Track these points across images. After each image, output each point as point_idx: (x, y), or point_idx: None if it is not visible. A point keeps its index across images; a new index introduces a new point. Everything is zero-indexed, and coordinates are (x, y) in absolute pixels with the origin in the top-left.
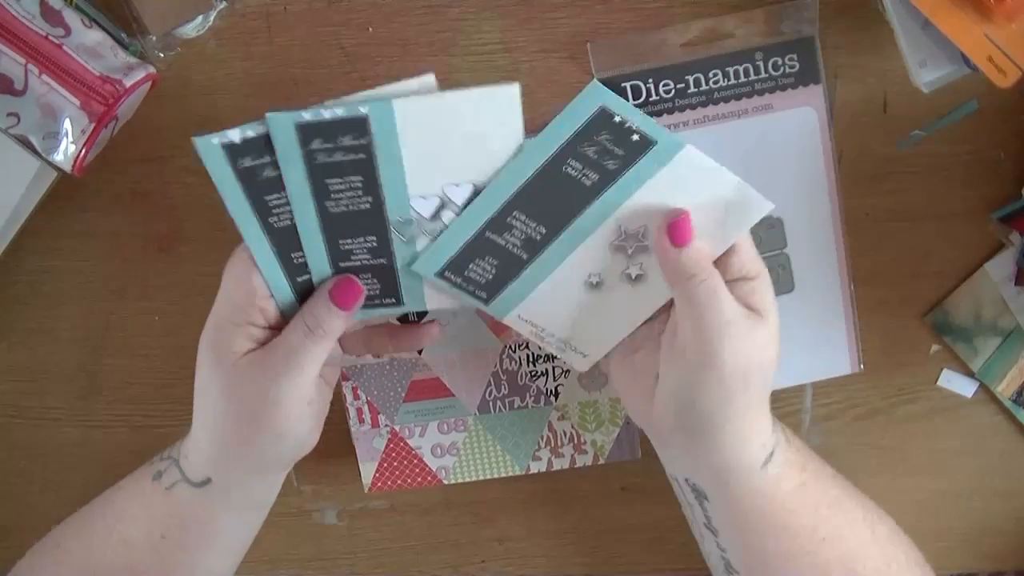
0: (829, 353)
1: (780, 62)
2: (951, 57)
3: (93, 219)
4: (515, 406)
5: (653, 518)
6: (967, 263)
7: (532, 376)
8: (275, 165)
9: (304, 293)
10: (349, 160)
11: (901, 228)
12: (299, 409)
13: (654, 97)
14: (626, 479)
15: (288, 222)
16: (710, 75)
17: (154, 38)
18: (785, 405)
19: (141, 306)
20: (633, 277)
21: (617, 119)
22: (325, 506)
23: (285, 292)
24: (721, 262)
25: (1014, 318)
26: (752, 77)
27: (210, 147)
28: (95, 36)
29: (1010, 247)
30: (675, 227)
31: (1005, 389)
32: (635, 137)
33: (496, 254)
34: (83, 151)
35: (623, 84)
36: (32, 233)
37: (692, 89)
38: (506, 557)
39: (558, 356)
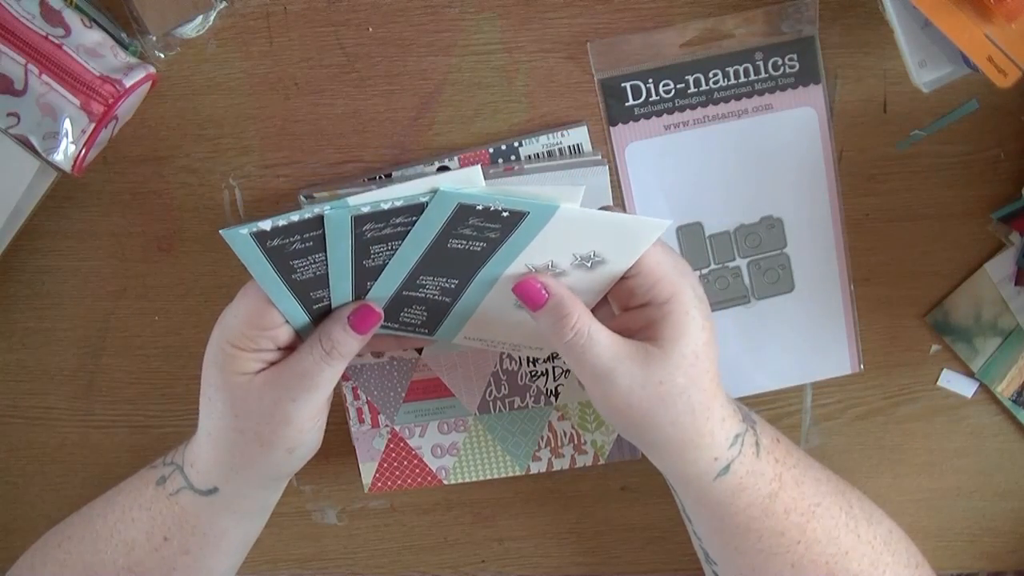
0: (829, 353)
1: (780, 62)
2: (951, 57)
3: (93, 219)
4: (515, 406)
5: (653, 518)
6: (967, 263)
7: (532, 376)
8: (304, 240)
9: (319, 315)
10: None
11: (901, 228)
12: (310, 425)
13: (654, 97)
14: (626, 479)
15: (312, 275)
16: (710, 75)
17: (154, 38)
18: (785, 405)
19: (141, 306)
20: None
21: (480, 207)
22: (325, 506)
23: (300, 317)
24: (624, 286)
25: (1014, 318)
26: (752, 77)
27: (238, 236)
28: (95, 36)
29: (1010, 247)
30: (523, 297)
31: (1005, 389)
32: (505, 214)
33: (420, 303)
34: (83, 151)
35: (623, 84)
36: (32, 233)
37: (692, 89)
38: (506, 557)
39: (515, 355)
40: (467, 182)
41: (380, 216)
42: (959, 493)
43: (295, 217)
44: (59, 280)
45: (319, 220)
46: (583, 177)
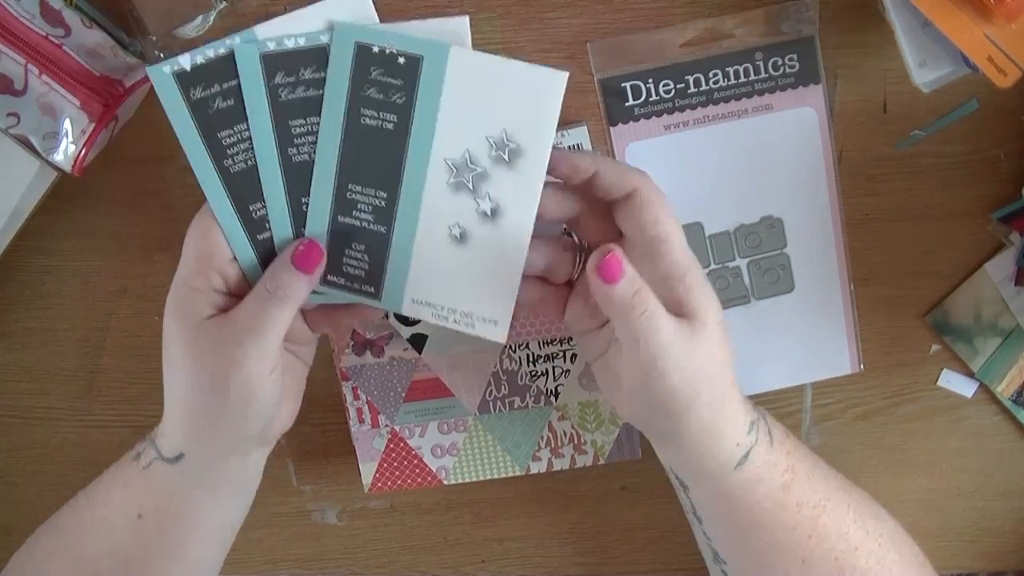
0: (829, 353)
1: (780, 62)
2: (951, 57)
3: (93, 219)
4: (515, 406)
5: (653, 518)
6: (967, 263)
7: (532, 376)
8: (225, 95)
9: (266, 255)
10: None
11: (901, 228)
12: (262, 375)
13: (654, 97)
14: (626, 479)
15: (244, 165)
16: (710, 75)
17: (154, 38)
18: (785, 405)
19: (141, 306)
20: (489, 213)
21: (376, 49)
22: (325, 506)
23: (247, 252)
24: (649, 258)
25: (1014, 318)
26: (752, 77)
27: (163, 78)
28: (95, 36)
29: (1010, 247)
30: (604, 268)
31: (1005, 389)
32: (401, 60)
33: (358, 237)
34: (83, 151)
35: (623, 84)
36: (32, 233)
37: (692, 89)
38: (506, 557)
39: (472, 334)
40: (359, 12)
41: (288, 62)
42: (959, 493)
43: (210, 52)
44: (59, 280)
45: (233, 63)
46: None
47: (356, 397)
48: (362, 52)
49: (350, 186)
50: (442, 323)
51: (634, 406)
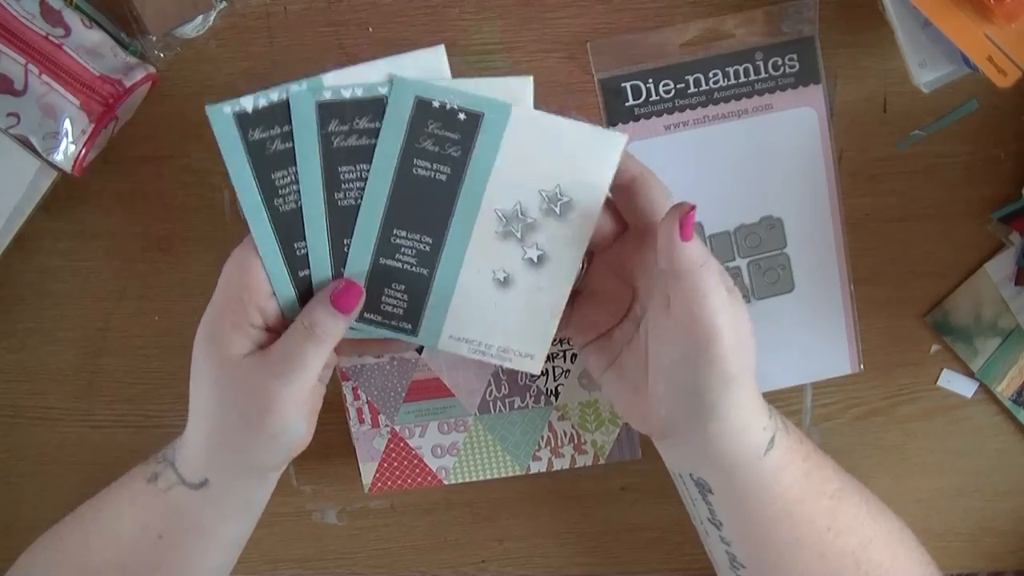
0: (829, 353)
1: (780, 62)
2: (951, 57)
3: (93, 219)
4: (515, 406)
5: (653, 518)
6: (967, 263)
7: (532, 376)
8: (283, 138)
9: (304, 293)
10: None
11: (901, 228)
12: (296, 412)
13: (654, 97)
14: (626, 479)
15: (293, 205)
16: (710, 75)
17: (154, 38)
18: (785, 405)
19: (141, 306)
20: (535, 260)
21: (436, 104)
22: (325, 506)
23: (286, 289)
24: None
25: (1014, 318)
26: (752, 77)
27: (222, 118)
28: (95, 36)
29: (1010, 247)
30: (686, 224)
31: (1005, 389)
32: (462, 116)
33: (399, 278)
34: (83, 151)
35: (623, 84)
36: (32, 233)
37: (692, 89)
38: (506, 557)
39: (508, 367)
40: (432, 67)
41: (343, 111)
42: (959, 493)
43: (273, 96)
44: (59, 280)
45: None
46: None
47: (356, 397)
48: (421, 106)
49: (395, 231)
50: (477, 356)
51: (671, 390)
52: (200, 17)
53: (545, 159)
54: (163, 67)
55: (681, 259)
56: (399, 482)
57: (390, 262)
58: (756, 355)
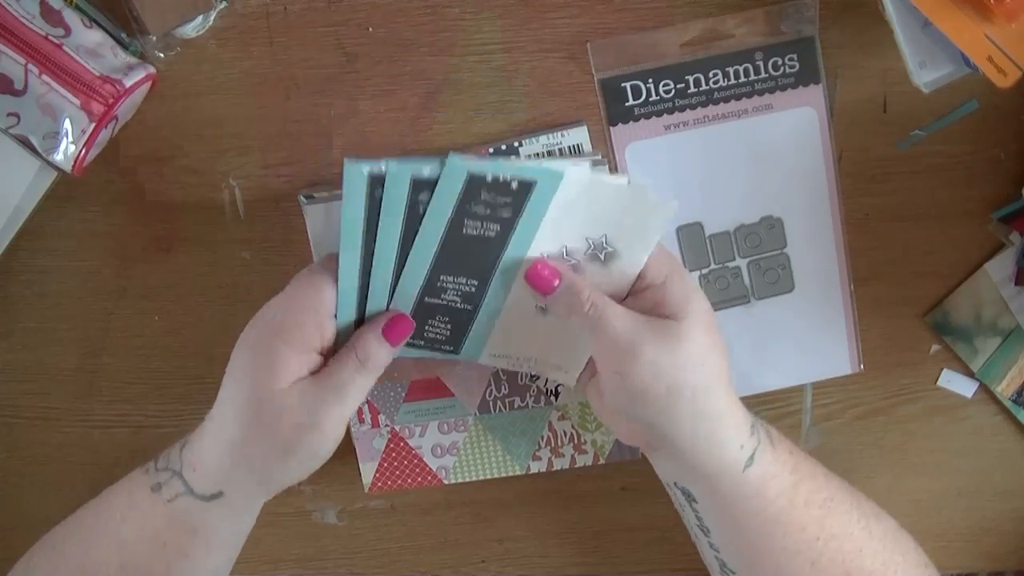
0: (829, 353)
1: (780, 62)
2: (951, 57)
3: (93, 219)
4: (515, 406)
5: (653, 518)
6: (967, 263)
7: (532, 376)
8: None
9: (360, 320)
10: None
11: (901, 228)
12: (335, 436)
13: (654, 97)
14: (626, 479)
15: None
16: (710, 75)
17: (154, 38)
18: (785, 405)
19: (141, 306)
20: None
21: (489, 178)
22: (325, 506)
23: (349, 314)
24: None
25: (1014, 318)
26: (752, 77)
27: (357, 173)
28: (95, 36)
29: (1010, 247)
30: (532, 280)
31: (1005, 389)
32: (514, 185)
33: (443, 312)
34: (83, 151)
35: (623, 84)
36: (32, 233)
37: (692, 89)
38: (506, 557)
39: (544, 376)
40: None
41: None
42: (959, 493)
43: (404, 165)
44: (59, 280)
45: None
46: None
47: None
48: (474, 180)
49: (442, 276)
50: (514, 368)
51: (618, 416)
52: (200, 17)
53: (595, 211)
54: (163, 67)
55: (557, 309)
56: (399, 482)
57: (435, 300)
58: (751, 359)
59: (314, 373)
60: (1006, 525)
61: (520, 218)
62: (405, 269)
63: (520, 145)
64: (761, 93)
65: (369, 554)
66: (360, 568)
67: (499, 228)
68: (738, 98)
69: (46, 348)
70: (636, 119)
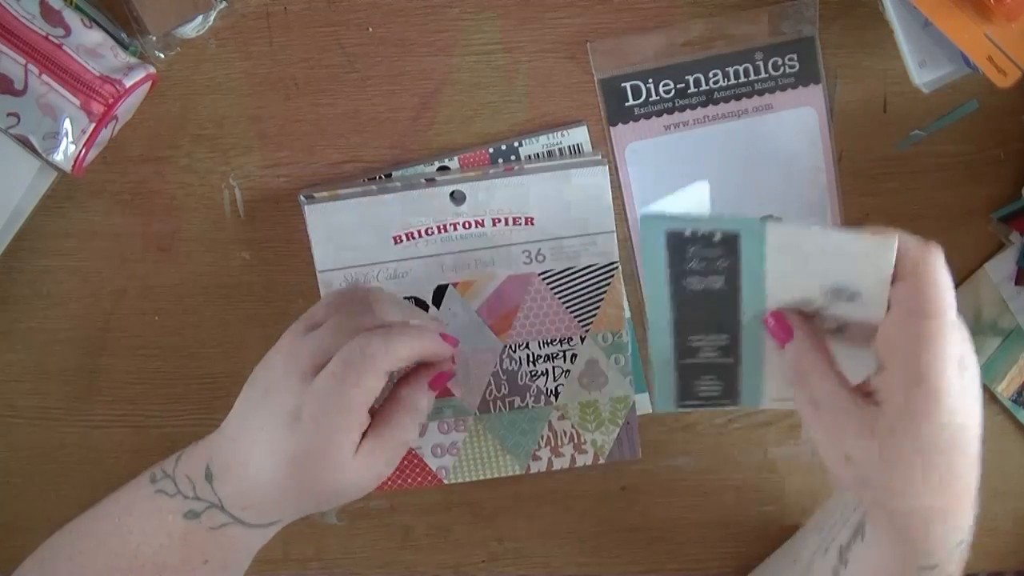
0: None
1: (780, 62)
2: (951, 57)
3: (93, 219)
4: (515, 406)
5: (653, 518)
6: (967, 263)
7: (532, 376)
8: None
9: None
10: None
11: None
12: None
13: (654, 97)
14: (626, 479)
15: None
16: (710, 75)
17: (154, 38)
18: (786, 406)
19: (141, 306)
20: (835, 329)
21: (688, 233)
22: None
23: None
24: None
25: (1014, 318)
26: (752, 77)
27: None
28: (95, 36)
29: (1010, 247)
30: (772, 331)
31: (1005, 389)
32: (717, 237)
33: (707, 370)
34: (83, 151)
35: (623, 84)
36: (32, 233)
37: (692, 89)
38: (506, 557)
39: None
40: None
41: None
42: None
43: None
44: (59, 280)
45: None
46: (583, 177)
47: None
48: (673, 237)
49: (690, 337)
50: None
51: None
52: (200, 17)
53: (817, 265)
54: (163, 67)
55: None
56: (399, 482)
57: (694, 360)
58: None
59: (365, 433)
60: (1006, 525)
61: (740, 266)
62: (651, 335)
63: (520, 145)
64: (761, 93)
65: (369, 554)
66: (360, 568)
67: (723, 279)
68: (738, 98)
69: (46, 348)
70: (636, 119)
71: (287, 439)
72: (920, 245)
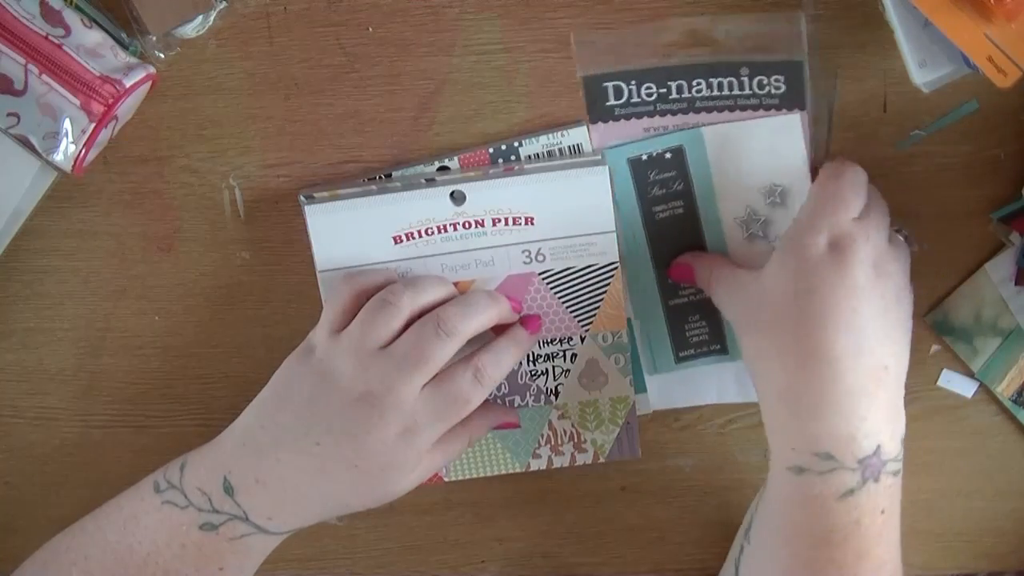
0: None
1: (766, 81)
2: (951, 57)
3: (93, 219)
4: (515, 405)
5: (653, 518)
6: (967, 263)
7: (532, 375)
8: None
9: None
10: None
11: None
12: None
13: (635, 99)
14: (626, 479)
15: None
16: (693, 83)
17: (154, 38)
18: None
19: (141, 306)
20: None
21: (644, 157)
22: None
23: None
24: None
25: (1014, 318)
26: (736, 92)
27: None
28: (95, 36)
29: (1010, 247)
30: (674, 275)
31: (1005, 389)
32: (668, 155)
33: (693, 310)
34: (83, 151)
35: (604, 84)
36: (32, 233)
37: (674, 95)
38: (506, 557)
39: None
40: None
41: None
42: (959, 493)
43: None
44: (59, 280)
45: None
46: (583, 177)
47: None
48: (634, 163)
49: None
50: None
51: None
52: (200, 17)
53: (748, 160)
54: (163, 67)
55: (708, 291)
56: None
57: (678, 300)
58: None
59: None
60: (1006, 525)
61: (693, 186)
62: (631, 281)
63: (520, 145)
64: (744, 109)
65: (369, 554)
66: (360, 568)
67: (683, 203)
68: (720, 110)
69: (46, 348)
70: (616, 119)
71: (357, 453)
72: (840, 158)
